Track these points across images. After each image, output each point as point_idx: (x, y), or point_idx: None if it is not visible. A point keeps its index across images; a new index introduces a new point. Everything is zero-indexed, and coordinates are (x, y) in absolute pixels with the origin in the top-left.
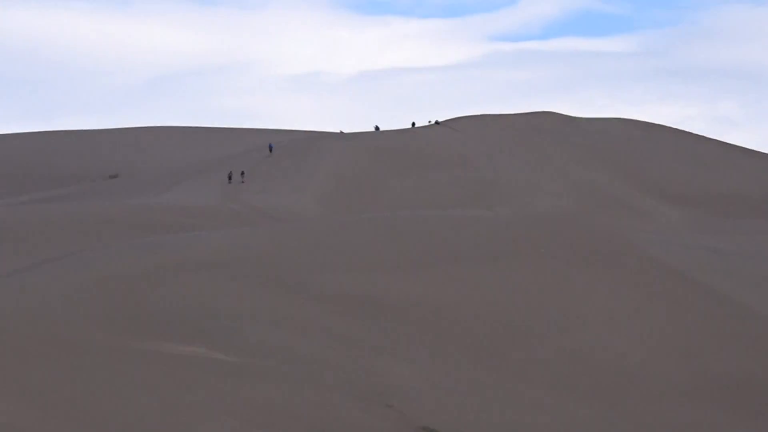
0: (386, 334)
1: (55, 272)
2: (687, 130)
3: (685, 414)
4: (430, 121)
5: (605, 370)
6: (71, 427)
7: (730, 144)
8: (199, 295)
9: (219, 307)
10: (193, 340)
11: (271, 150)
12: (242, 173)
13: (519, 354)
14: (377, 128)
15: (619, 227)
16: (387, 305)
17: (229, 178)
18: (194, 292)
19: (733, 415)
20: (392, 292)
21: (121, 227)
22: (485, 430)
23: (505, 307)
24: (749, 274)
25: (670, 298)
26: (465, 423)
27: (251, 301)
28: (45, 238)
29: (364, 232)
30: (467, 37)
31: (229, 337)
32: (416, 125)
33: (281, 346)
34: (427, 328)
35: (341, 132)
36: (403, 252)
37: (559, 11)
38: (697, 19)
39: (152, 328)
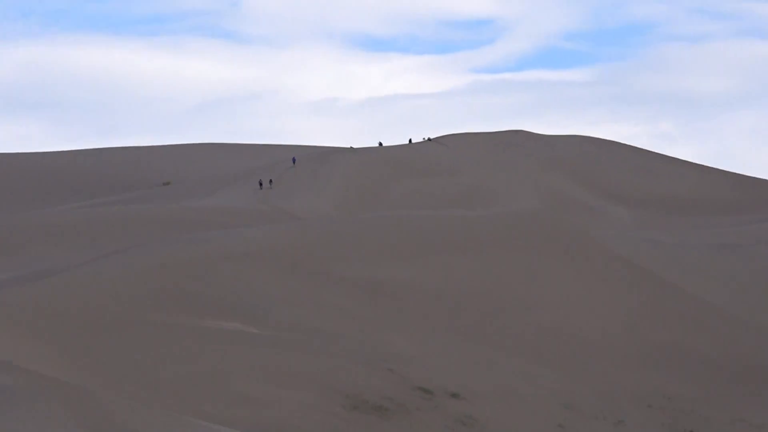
0: (388, 311)
1: (121, 261)
2: (633, 145)
3: (632, 375)
4: (423, 138)
5: (568, 341)
6: (134, 387)
7: (668, 156)
8: (236, 280)
9: (252, 289)
10: (231, 317)
11: (294, 162)
12: (270, 181)
13: (497, 328)
14: (380, 144)
15: (578, 224)
16: (389, 288)
17: (260, 184)
18: (232, 278)
19: (669, 375)
20: (393, 277)
21: (173, 225)
22: (470, 389)
23: (486, 289)
24: (681, 261)
25: (619, 281)
26: (453, 384)
27: (278, 285)
28: (112, 233)
29: (370, 228)
30: (454, 70)
31: (260, 314)
32: (412, 141)
33: (302, 321)
34: (422, 306)
35: (351, 147)
36: (402, 244)
37: (530, 48)
38: (642, 55)
39: (198, 307)
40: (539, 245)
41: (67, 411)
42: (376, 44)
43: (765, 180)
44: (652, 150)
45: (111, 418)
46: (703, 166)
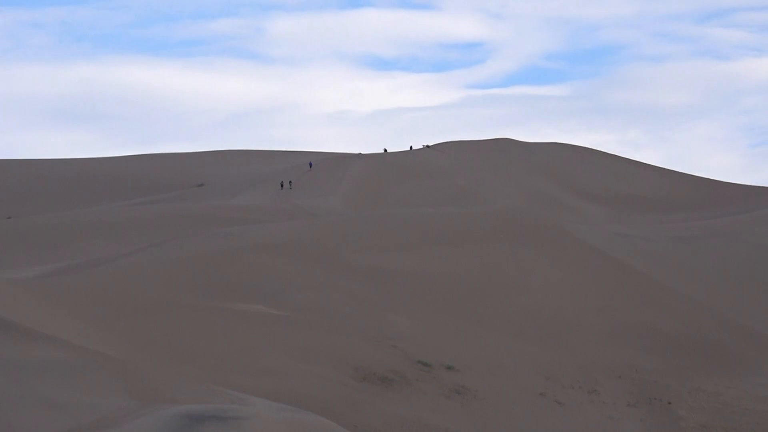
0: (392, 295)
1: (159, 253)
2: (605, 150)
3: (604, 350)
4: (422, 145)
5: (548, 320)
6: (171, 361)
7: (635, 160)
8: (259, 268)
9: (273, 276)
10: (255, 300)
11: (310, 166)
12: (290, 182)
13: (486, 309)
14: (385, 150)
15: (556, 219)
16: (393, 274)
17: (281, 185)
18: (256, 266)
19: (636, 350)
20: (397, 265)
21: (205, 221)
22: (463, 363)
23: (477, 275)
24: (646, 252)
25: (592, 269)
26: (448, 358)
27: (296, 272)
28: (152, 229)
29: (377, 223)
30: (450, 86)
31: (281, 297)
32: (413, 148)
33: (318, 304)
34: (421, 290)
35: (360, 153)
36: (404, 237)
37: (515, 67)
38: (613, 73)
39: (227, 292)
40: (523, 237)
41: (115, 381)
42: (382, 64)
43: (718, 181)
44: (622, 155)
45: (153, 388)
46: (665, 169)
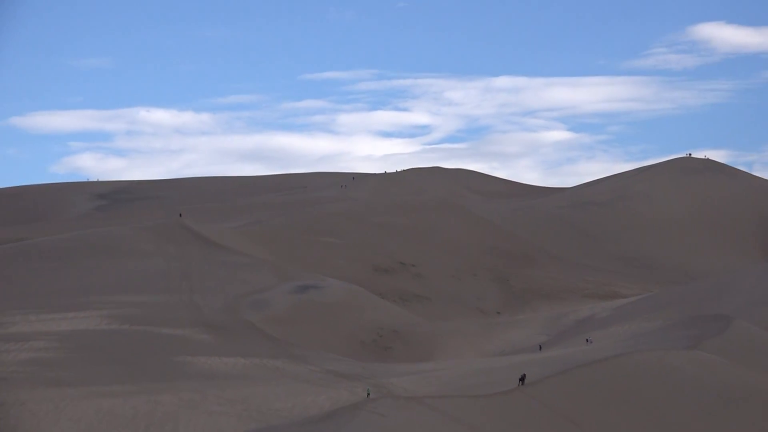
0: (387, 230)
1: (268, 223)
2: (484, 172)
3: (483, 258)
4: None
5: (450, 242)
6: (294, 263)
7: (491, 175)
8: (336, 220)
9: (340, 224)
10: (329, 235)
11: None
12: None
13: (434, 244)
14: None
15: (466, 204)
16: (395, 228)
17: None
18: (333, 219)
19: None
20: (396, 222)
21: (298, 204)
22: (420, 263)
23: (424, 225)
24: (513, 218)
25: (479, 228)
26: (412, 260)
27: (349, 227)
28: (273, 209)
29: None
30: (416, 143)
31: (341, 235)
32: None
33: (356, 236)
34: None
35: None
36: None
37: (444, 135)
38: (486, 139)
39: (317, 233)
40: (444, 211)
41: (270, 271)
42: (385, 134)
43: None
44: (486, 173)
45: (285, 274)
46: (507, 180)
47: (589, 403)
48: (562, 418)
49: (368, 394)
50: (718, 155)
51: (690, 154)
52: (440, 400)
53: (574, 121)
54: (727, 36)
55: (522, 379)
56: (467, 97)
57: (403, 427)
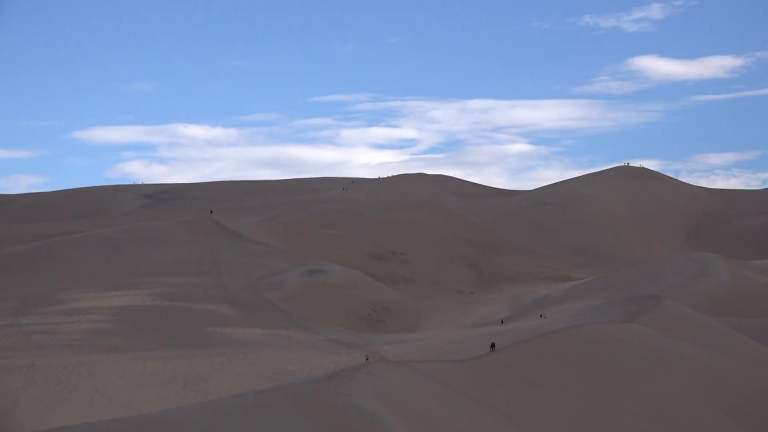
0: (385, 228)
1: (287, 215)
2: (458, 177)
3: (459, 248)
4: (384, 176)
5: (432, 234)
6: (305, 252)
7: (461, 179)
8: (338, 217)
9: (347, 220)
10: (333, 228)
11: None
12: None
13: (422, 234)
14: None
15: (444, 203)
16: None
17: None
18: (336, 217)
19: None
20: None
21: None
22: (407, 252)
23: (404, 220)
24: (470, 214)
25: (452, 221)
26: (399, 248)
27: (354, 221)
28: (288, 204)
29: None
30: (402, 154)
31: (345, 228)
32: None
33: (352, 229)
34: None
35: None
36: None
37: (426, 147)
38: (462, 150)
39: (324, 226)
40: (427, 209)
41: (283, 257)
42: (379, 146)
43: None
44: (458, 178)
45: (296, 259)
46: (481, 184)
47: (547, 366)
48: (525, 379)
49: (367, 359)
50: (651, 164)
51: (628, 163)
52: (424, 363)
53: (534, 135)
54: (659, 67)
55: (492, 346)
56: (446, 115)
57: (393, 386)
